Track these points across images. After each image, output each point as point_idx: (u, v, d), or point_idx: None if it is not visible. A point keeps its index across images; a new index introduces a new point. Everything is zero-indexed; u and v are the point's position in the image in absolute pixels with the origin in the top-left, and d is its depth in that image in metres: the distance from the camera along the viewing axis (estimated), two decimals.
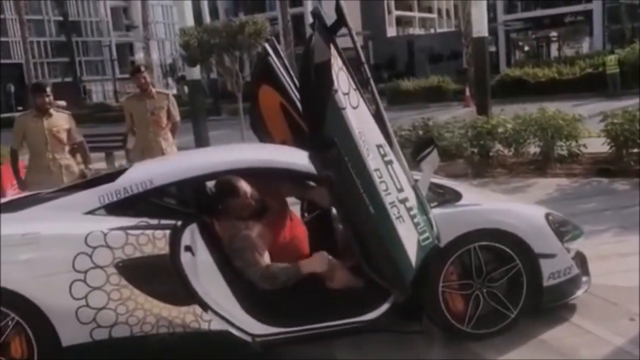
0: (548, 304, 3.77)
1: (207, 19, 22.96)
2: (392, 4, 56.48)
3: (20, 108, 54.90)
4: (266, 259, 3.48)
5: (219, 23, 13.65)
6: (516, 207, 4.01)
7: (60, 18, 64.53)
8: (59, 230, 3.33)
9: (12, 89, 56.14)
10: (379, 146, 3.11)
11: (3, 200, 4.50)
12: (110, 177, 3.79)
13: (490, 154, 9.05)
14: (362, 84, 3.21)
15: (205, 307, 3.35)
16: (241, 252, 3.46)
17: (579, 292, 3.87)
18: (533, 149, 9.04)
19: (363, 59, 3.15)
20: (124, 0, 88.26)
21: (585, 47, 42.51)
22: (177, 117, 6.94)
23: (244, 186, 3.58)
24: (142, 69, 6.93)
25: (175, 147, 6.91)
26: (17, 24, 51.80)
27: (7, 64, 63.95)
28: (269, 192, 3.77)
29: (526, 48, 47.60)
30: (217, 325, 3.36)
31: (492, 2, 41.68)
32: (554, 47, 45.77)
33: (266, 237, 3.59)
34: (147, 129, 6.75)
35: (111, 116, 35.12)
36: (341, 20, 3.04)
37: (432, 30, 61.25)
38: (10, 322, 3.20)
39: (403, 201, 3.17)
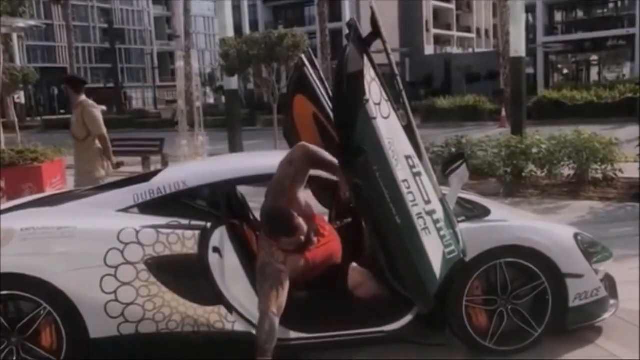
0: (573, 324, 3.72)
1: (247, 30, 23.26)
2: (431, 22, 56.46)
3: (62, 111, 56.60)
4: (282, 300, 3.25)
5: (259, 34, 13.84)
6: (544, 225, 3.98)
7: (106, 25, 66.22)
8: (94, 225, 3.44)
9: (56, 92, 57.78)
10: (408, 157, 3.14)
11: (43, 195, 4.67)
12: (145, 177, 3.91)
13: (523, 174, 8.96)
14: (394, 96, 3.25)
15: (230, 308, 3.41)
16: (264, 282, 3.29)
17: (606, 315, 3.82)
18: (567, 171, 8.94)
19: (396, 71, 3.19)
20: (167, 10, 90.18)
21: (627, 71, 41.79)
22: (98, 131, 6.09)
23: (299, 224, 3.35)
24: (65, 78, 6.46)
25: (95, 162, 6.12)
26: (64, 30, 53.46)
27: (52, 68, 66.02)
28: (306, 211, 3.57)
29: (565, 71, 47.06)
30: (241, 327, 3.42)
31: (532, 24, 41.41)
32: (594, 71, 45.17)
33: (301, 267, 3.50)
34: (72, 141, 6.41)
35: (149, 122, 35.98)
36: (376, 33, 3.09)
37: (470, 50, 60.95)
38: (42, 312, 3.32)
39: (430, 213, 3.18)
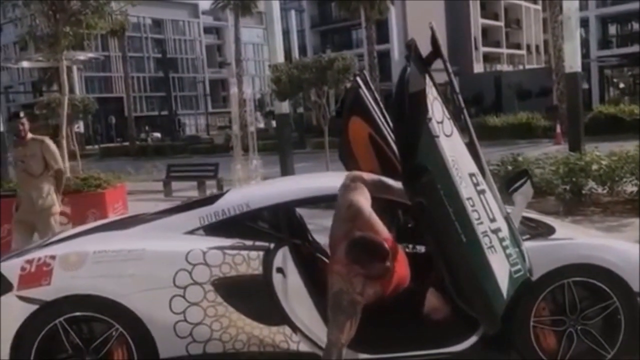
0: None
1: (296, 55, 23.61)
2: (480, 40, 55.99)
3: (119, 139, 58.51)
4: (353, 331, 3.20)
5: (309, 59, 14.02)
6: (613, 243, 3.87)
7: (159, 55, 68.25)
8: (162, 247, 3.55)
9: (113, 120, 59.76)
10: (471, 175, 3.12)
11: (112, 219, 4.83)
12: (209, 200, 4.01)
13: (583, 191, 8.73)
14: (455, 114, 3.25)
15: (294, 328, 3.44)
16: (339, 312, 3.20)
17: None
18: (630, 187, 8.66)
19: (457, 88, 3.20)
20: (219, 39, 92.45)
21: None
22: (57, 165, 5.94)
23: (388, 249, 3.25)
24: (22, 114, 6.17)
25: (53, 197, 5.91)
26: (120, 60, 55.51)
27: (109, 98, 68.47)
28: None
29: (621, 85, 45.68)
30: (305, 347, 3.44)
31: (584, 38, 40.52)
32: None
33: (375, 297, 3.38)
34: (19, 177, 6.16)
35: (203, 148, 36.76)
36: (436, 52, 3.12)
37: (521, 67, 60.04)
38: (114, 333, 3.42)
39: (495, 231, 3.14)
